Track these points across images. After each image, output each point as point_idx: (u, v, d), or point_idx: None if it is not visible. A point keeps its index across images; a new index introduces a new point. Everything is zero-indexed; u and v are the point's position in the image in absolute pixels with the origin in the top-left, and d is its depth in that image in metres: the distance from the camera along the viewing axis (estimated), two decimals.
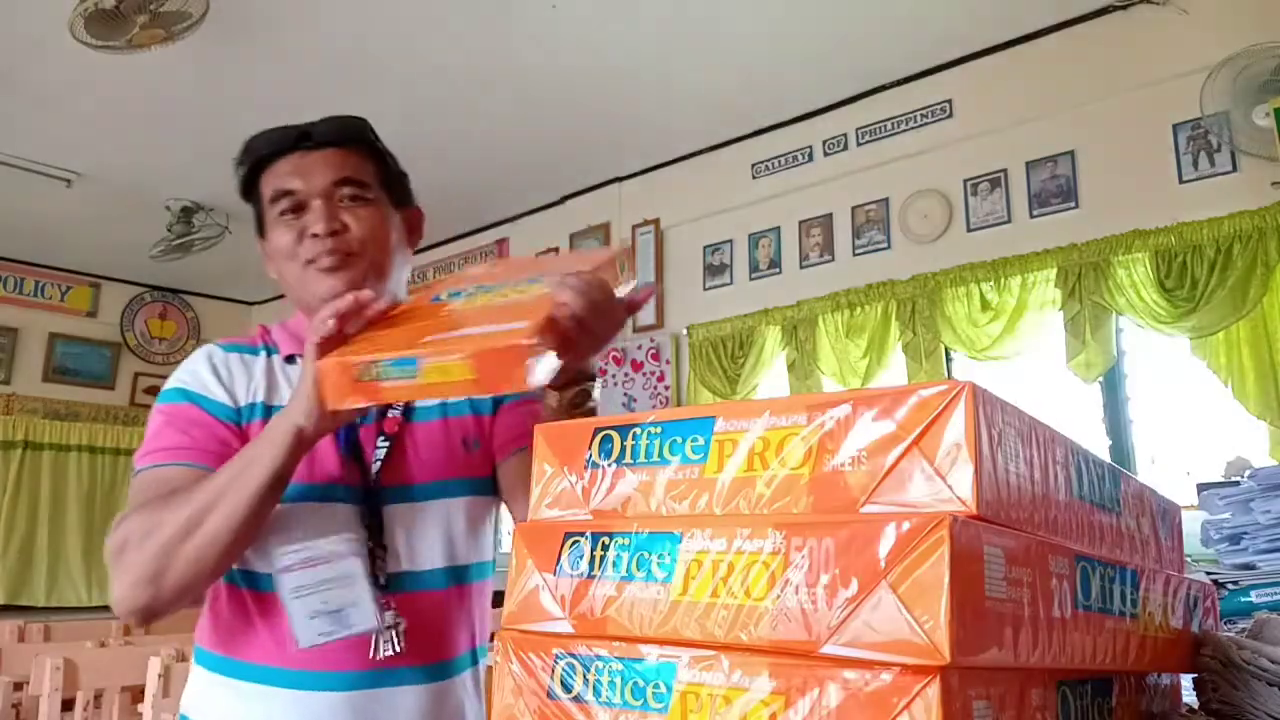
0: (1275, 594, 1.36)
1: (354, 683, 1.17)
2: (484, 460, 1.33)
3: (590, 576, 0.49)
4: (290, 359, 1.30)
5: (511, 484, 1.30)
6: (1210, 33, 3.55)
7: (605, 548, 0.49)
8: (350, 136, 1.32)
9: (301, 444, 1.04)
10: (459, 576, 1.28)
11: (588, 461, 0.53)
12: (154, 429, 1.22)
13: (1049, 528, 0.48)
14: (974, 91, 4.23)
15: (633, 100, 4.58)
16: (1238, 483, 1.54)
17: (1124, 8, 3.80)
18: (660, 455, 0.49)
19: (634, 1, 3.78)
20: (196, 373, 1.25)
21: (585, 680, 0.48)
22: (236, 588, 1.22)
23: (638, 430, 0.51)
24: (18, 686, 2.71)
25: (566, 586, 0.50)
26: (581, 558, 0.50)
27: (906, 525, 0.39)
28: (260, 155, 1.30)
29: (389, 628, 1.17)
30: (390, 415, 1.28)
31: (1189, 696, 0.81)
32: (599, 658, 0.48)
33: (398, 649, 1.17)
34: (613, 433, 0.52)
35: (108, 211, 5.70)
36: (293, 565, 1.14)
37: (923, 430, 0.41)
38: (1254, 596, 1.37)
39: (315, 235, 1.23)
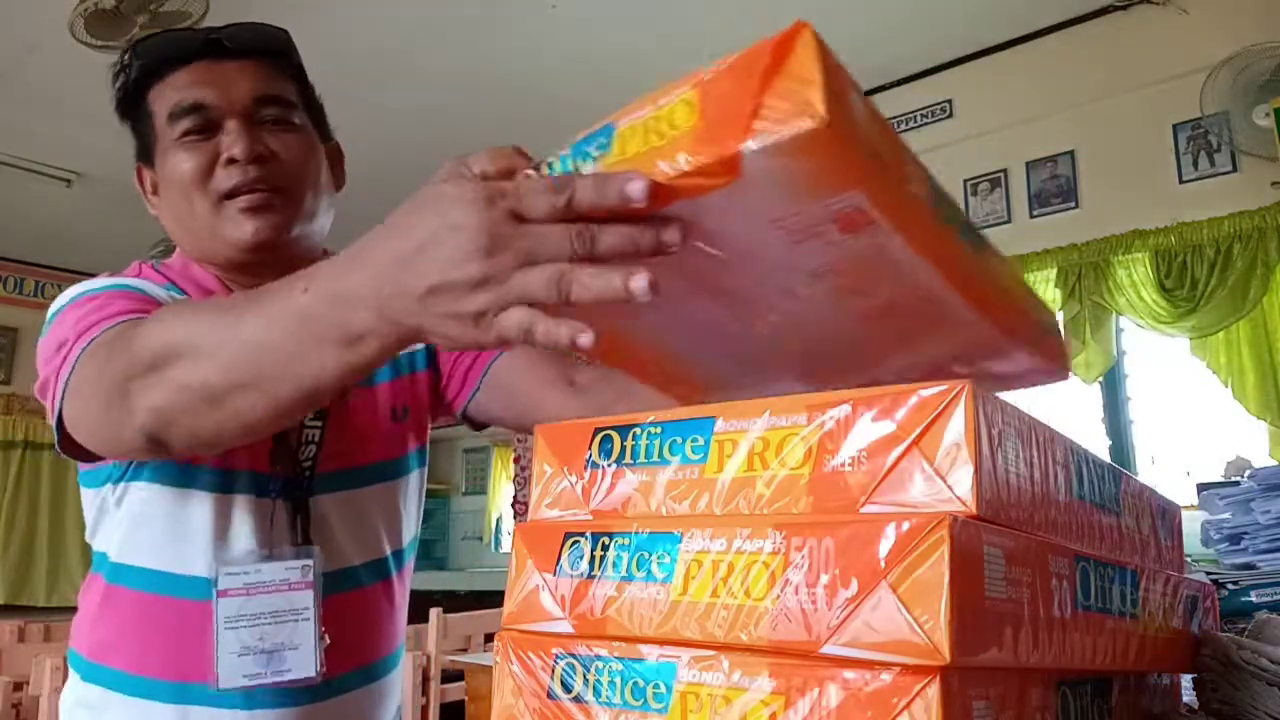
0: (1275, 594, 1.35)
1: (295, 697, 0.99)
2: (417, 427, 1.15)
3: (590, 577, 0.49)
4: None
5: (511, 385, 1.10)
6: (1210, 33, 3.55)
7: (605, 548, 0.49)
8: (270, 47, 1.06)
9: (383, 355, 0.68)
10: (398, 562, 1.14)
11: (588, 461, 0.53)
12: (89, 309, 0.90)
13: (1049, 528, 0.48)
14: (974, 91, 4.23)
15: (633, 99, 4.57)
16: (1238, 483, 1.53)
17: (1124, 8, 3.81)
18: (660, 455, 0.49)
19: (634, 2, 3.78)
20: (141, 286, 0.98)
21: (585, 680, 0.48)
22: (140, 592, 1.00)
23: (638, 430, 0.51)
24: (18, 686, 2.70)
25: (566, 587, 0.50)
26: (581, 558, 0.50)
27: (906, 525, 0.39)
28: (153, 61, 1.03)
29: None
30: None
31: (1189, 696, 0.81)
32: (599, 658, 0.48)
33: (319, 669, 0.99)
34: (613, 433, 0.52)
35: (108, 211, 5.69)
36: (231, 590, 0.97)
37: (922, 430, 0.41)
38: (1254, 596, 1.36)
39: (234, 161, 0.98)
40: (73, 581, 6.39)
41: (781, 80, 0.42)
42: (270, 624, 0.97)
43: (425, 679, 3.14)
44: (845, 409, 0.44)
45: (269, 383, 0.68)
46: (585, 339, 0.52)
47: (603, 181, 0.52)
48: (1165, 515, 0.69)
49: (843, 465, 0.43)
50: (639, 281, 0.51)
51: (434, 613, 3.24)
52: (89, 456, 0.91)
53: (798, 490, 0.44)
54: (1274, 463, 3.22)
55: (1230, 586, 1.38)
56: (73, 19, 3.44)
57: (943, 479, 0.40)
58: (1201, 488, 1.63)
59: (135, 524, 1.00)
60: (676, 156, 0.47)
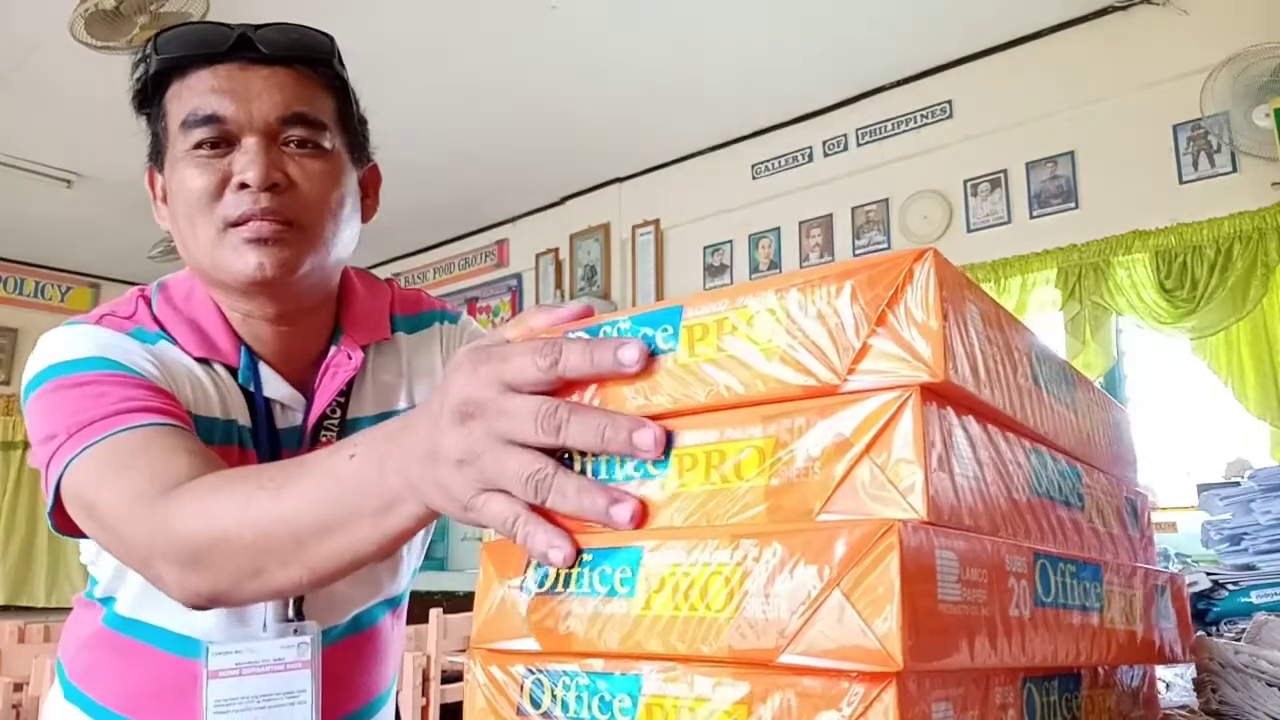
0: (1275, 595, 1.36)
1: None
2: None
3: (555, 593, 0.49)
4: (206, 363, 0.96)
5: None
6: (1210, 33, 3.55)
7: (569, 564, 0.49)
8: (308, 55, 0.95)
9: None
10: (395, 602, 1.10)
11: None
12: (79, 397, 0.84)
13: (1006, 527, 0.48)
14: (974, 91, 4.23)
15: (633, 100, 4.58)
16: (1238, 483, 1.54)
17: (1124, 8, 3.80)
18: (625, 476, 0.49)
19: (634, 2, 3.79)
20: (125, 350, 0.90)
21: (553, 696, 0.48)
22: (142, 643, 0.96)
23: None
24: (18, 687, 2.71)
25: (532, 604, 0.50)
26: (546, 575, 0.50)
27: (857, 533, 0.39)
28: (175, 56, 0.92)
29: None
30: (325, 437, 0.98)
31: (1187, 696, 0.81)
32: (565, 673, 0.48)
33: None
34: (573, 452, 0.51)
35: (108, 211, 5.72)
36: (223, 671, 0.89)
37: (873, 438, 0.42)
38: (1254, 597, 1.36)
39: (245, 186, 0.89)
40: (73, 582, 6.42)
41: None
42: (263, 709, 0.89)
43: (425, 679, 3.15)
44: (799, 419, 0.44)
45: (309, 558, 0.65)
46: (556, 556, 0.49)
47: (594, 347, 0.49)
48: (1132, 506, 0.69)
49: (798, 475, 0.43)
50: (622, 510, 0.48)
51: (434, 613, 3.25)
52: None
53: (755, 502, 0.44)
54: (1274, 463, 3.22)
55: (1230, 587, 1.38)
56: (73, 19, 3.45)
57: (895, 486, 0.41)
58: (1201, 488, 1.63)
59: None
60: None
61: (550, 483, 0.50)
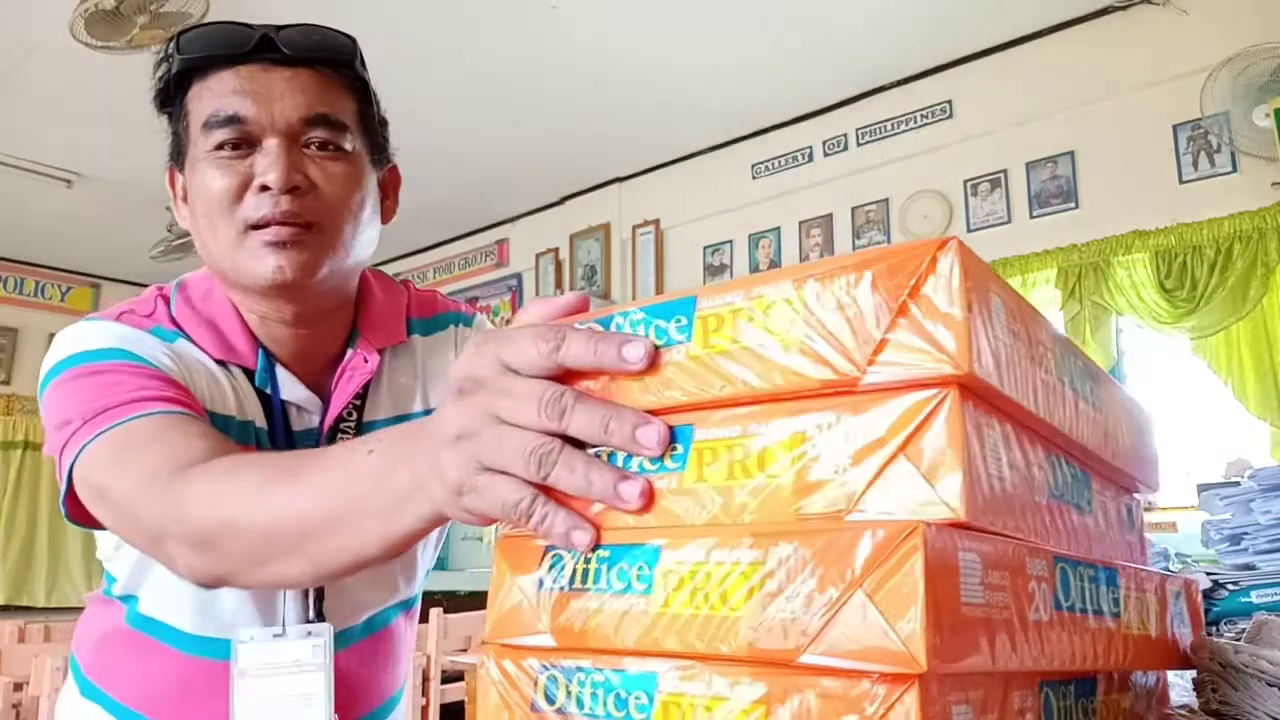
0: (1275, 594, 1.35)
1: None
2: None
3: (571, 590, 0.48)
4: (223, 364, 0.96)
5: None
6: (1210, 33, 3.56)
7: (586, 560, 0.48)
8: (330, 56, 0.96)
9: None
10: (409, 603, 1.11)
11: None
12: (94, 385, 0.84)
13: (1029, 530, 0.47)
14: (974, 91, 4.23)
15: (633, 100, 4.58)
16: (1238, 483, 1.54)
17: (1124, 8, 3.81)
18: (639, 465, 0.48)
19: (634, 2, 3.79)
20: (144, 344, 0.90)
21: (569, 693, 0.48)
22: (160, 643, 0.97)
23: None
24: (18, 686, 2.70)
25: (547, 600, 0.49)
26: (562, 571, 0.49)
27: (881, 533, 0.39)
28: (197, 56, 0.92)
29: None
30: (342, 440, 0.98)
31: (1187, 696, 0.81)
32: (581, 670, 0.48)
33: None
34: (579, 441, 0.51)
35: (108, 211, 5.71)
36: (249, 671, 0.92)
37: (909, 436, 0.41)
38: (1254, 597, 1.36)
39: (266, 188, 0.89)
40: (73, 581, 6.41)
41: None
42: (279, 711, 0.91)
43: (425, 679, 3.15)
44: (828, 415, 0.43)
45: (313, 553, 0.64)
46: (581, 538, 0.48)
47: (599, 339, 0.48)
48: (1129, 510, 0.69)
49: (827, 473, 0.42)
50: (630, 488, 0.47)
51: (434, 613, 3.24)
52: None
53: (779, 499, 0.43)
54: (1274, 463, 3.22)
55: (1230, 587, 1.38)
56: (73, 19, 3.45)
57: (931, 485, 0.40)
58: (1201, 488, 1.63)
59: (171, 583, 0.94)
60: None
61: (556, 456, 0.48)
